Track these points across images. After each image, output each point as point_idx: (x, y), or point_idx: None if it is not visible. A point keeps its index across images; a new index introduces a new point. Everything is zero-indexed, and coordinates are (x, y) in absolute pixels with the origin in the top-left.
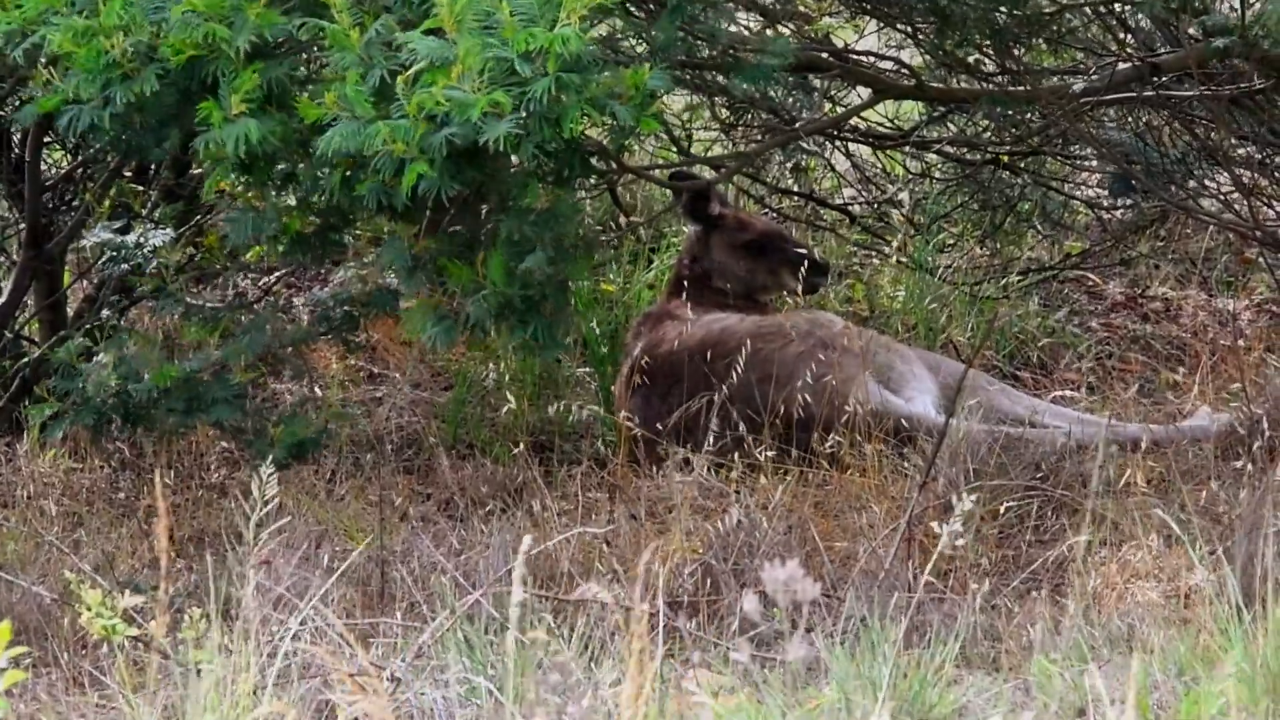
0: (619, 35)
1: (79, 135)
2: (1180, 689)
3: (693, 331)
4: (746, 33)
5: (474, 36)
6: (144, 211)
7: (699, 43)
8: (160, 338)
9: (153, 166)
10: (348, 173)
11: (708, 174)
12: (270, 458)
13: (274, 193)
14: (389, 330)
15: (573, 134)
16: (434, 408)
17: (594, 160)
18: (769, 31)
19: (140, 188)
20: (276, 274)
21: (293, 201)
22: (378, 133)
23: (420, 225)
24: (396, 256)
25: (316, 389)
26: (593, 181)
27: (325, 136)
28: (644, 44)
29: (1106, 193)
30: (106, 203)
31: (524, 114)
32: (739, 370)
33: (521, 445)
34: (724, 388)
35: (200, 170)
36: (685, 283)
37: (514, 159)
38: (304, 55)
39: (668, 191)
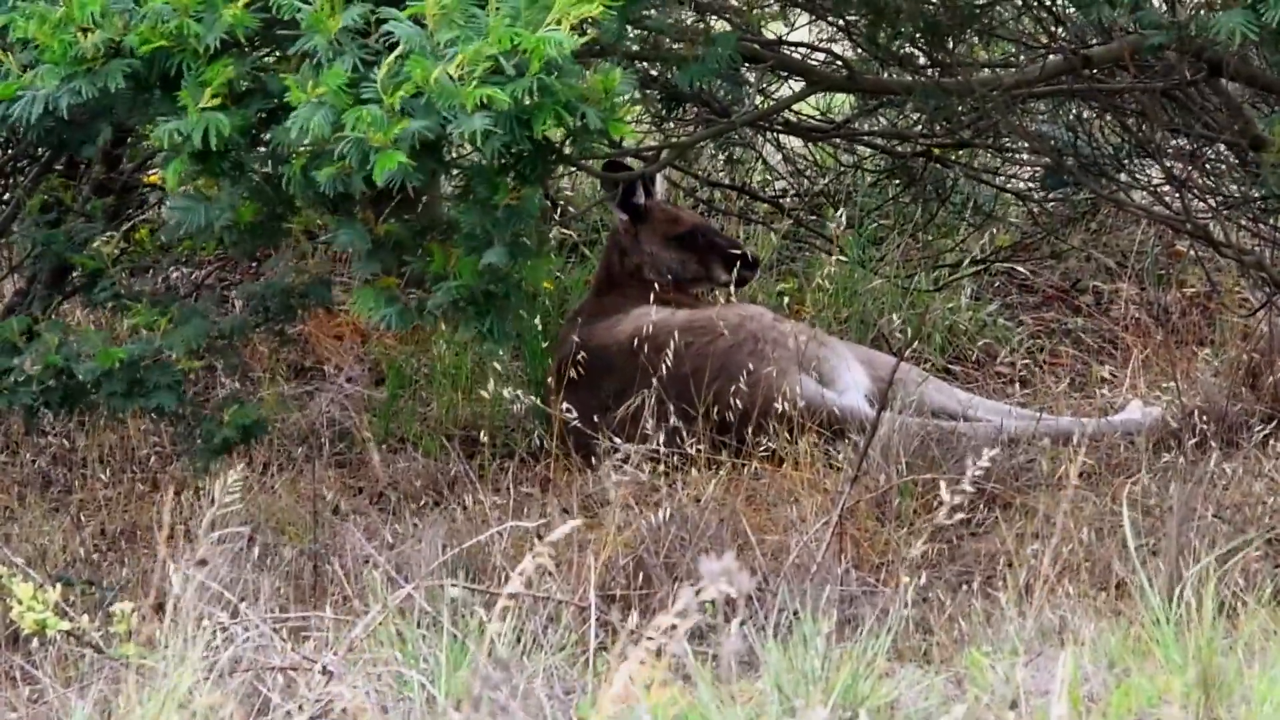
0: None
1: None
2: (1112, 681)
3: (623, 326)
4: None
5: (455, 29)
6: (75, 206)
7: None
8: (94, 330)
9: (84, 161)
10: (307, 161)
11: (638, 166)
12: (216, 440)
13: (227, 182)
14: (322, 324)
15: (542, 135)
16: (366, 402)
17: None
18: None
19: (71, 182)
20: (208, 268)
21: (244, 191)
22: (356, 117)
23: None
24: (357, 237)
25: (250, 382)
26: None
27: (294, 116)
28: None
29: (1038, 185)
30: (37, 197)
31: (496, 112)
32: (670, 364)
33: (453, 439)
34: (655, 381)
35: (132, 164)
36: (614, 277)
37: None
38: (265, 50)
39: (598, 184)
